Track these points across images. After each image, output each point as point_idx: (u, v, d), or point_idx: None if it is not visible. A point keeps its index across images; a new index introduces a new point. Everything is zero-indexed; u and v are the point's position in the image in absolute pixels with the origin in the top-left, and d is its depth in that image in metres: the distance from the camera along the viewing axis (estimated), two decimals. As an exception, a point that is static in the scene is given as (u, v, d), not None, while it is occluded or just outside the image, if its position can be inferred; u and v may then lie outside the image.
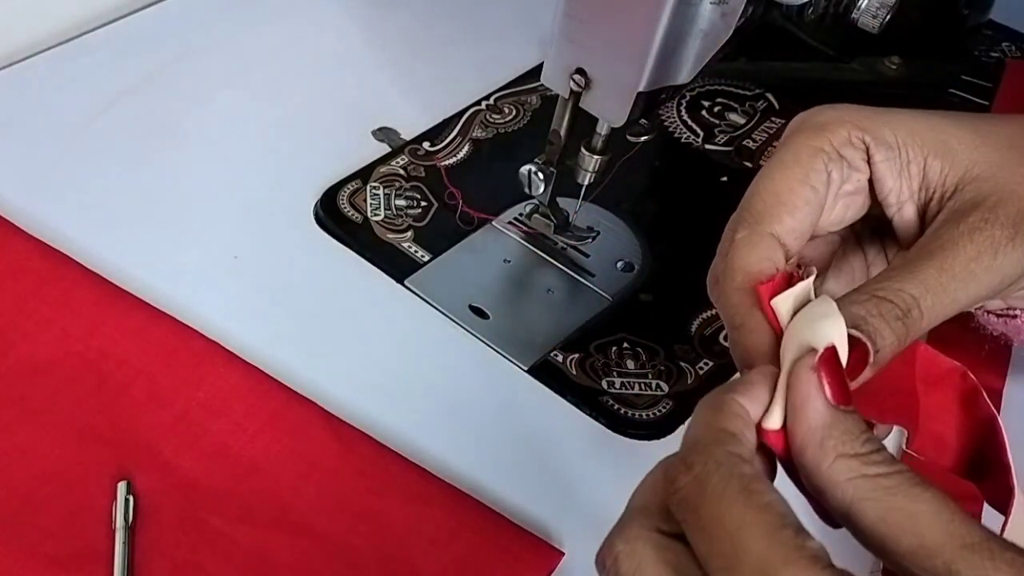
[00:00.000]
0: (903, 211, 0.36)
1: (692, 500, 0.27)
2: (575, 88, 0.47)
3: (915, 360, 0.32)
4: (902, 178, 0.35)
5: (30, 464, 0.43)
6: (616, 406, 0.48)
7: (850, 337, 0.30)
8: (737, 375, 0.32)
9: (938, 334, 0.43)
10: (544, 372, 0.49)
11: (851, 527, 0.28)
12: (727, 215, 0.37)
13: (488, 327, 0.51)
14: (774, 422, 0.30)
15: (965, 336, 0.44)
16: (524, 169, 0.51)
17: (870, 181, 0.36)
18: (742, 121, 0.64)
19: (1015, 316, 0.41)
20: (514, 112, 0.63)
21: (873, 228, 0.40)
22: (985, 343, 0.45)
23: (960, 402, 0.32)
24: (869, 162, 0.35)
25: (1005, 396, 0.48)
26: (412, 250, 0.54)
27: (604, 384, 0.49)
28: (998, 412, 0.45)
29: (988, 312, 0.42)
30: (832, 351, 0.29)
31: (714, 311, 0.50)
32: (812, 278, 0.32)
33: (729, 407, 0.29)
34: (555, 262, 0.54)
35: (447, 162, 0.59)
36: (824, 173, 0.35)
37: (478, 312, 0.52)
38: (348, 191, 0.57)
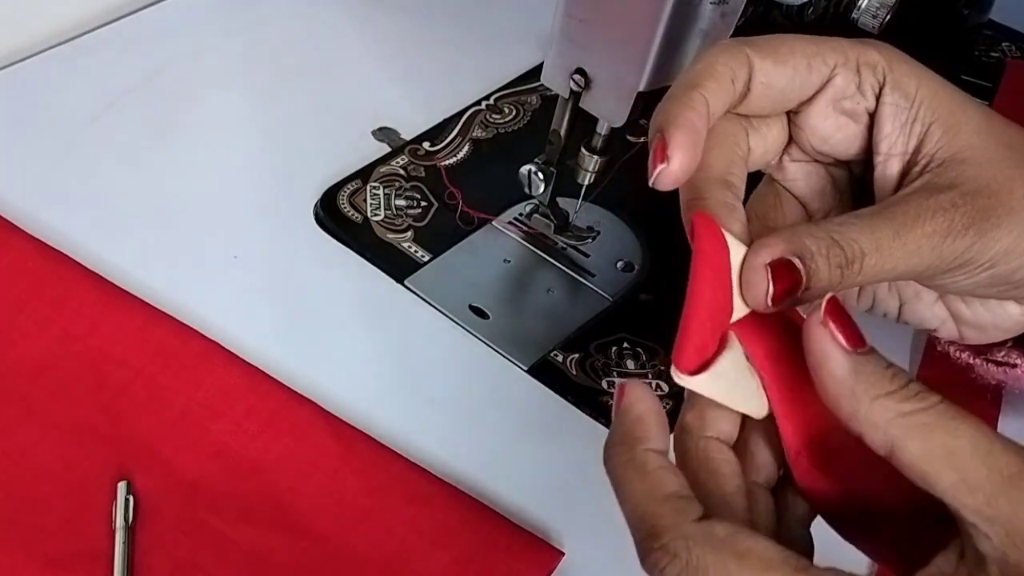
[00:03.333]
0: (888, 164, 0.35)
1: None
2: (575, 88, 0.47)
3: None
4: (903, 132, 0.35)
5: (30, 464, 0.43)
6: (616, 406, 0.48)
7: (790, 264, 0.31)
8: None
9: (937, 385, 0.42)
10: (544, 372, 0.49)
11: (895, 463, 0.29)
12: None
13: (488, 327, 0.51)
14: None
15: (963, 384, 0.44)
16: (524, 169, 0.51)
17: (870, 127, 0.36)
18: (742, 121, 0.64)
19: (1015, 366, 0.42)
20: (514, 112, 0.63)
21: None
22: (987, 392, 0.45)
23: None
24: (878, 99, 0.35)
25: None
26: (412, 250, 0.54)
27: (604, 384, 0.49)
28: None
29: (988, 361, 0.42)
30: (833, 300, 0.29)
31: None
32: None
33: (645, 460, 0.30)
34: (555, 262, 0.54)
35: (447, 162, 0.59)
36: (825, 65, 0.34)
37: (478, 312, 0.52)
38: (348, 191, 0.57)
